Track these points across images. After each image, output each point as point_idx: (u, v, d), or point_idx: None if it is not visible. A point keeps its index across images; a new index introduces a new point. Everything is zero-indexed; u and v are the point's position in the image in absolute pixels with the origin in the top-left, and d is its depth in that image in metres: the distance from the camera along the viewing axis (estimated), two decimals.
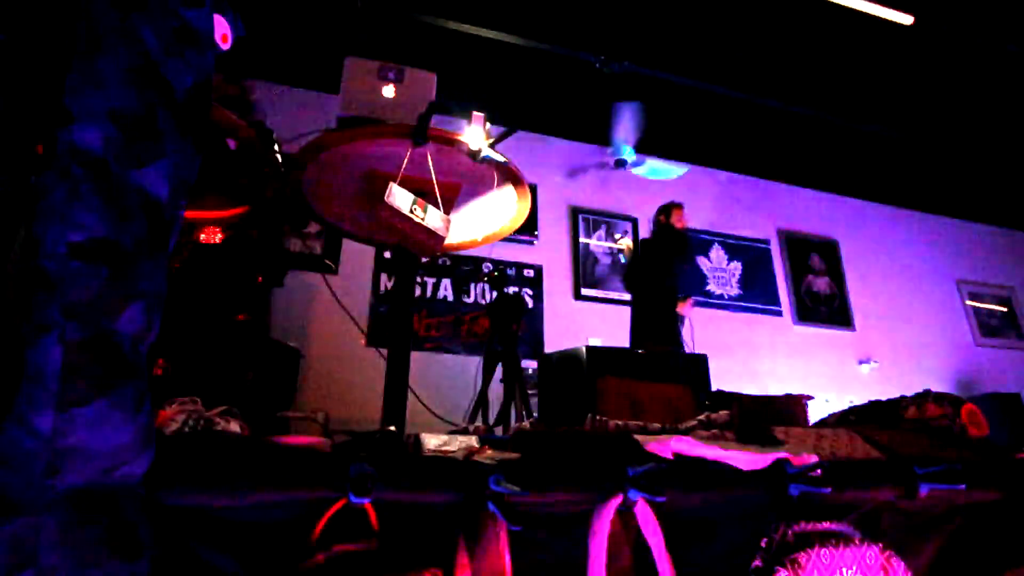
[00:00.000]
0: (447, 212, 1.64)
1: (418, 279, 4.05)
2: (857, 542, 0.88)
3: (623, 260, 4.74)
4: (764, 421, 1.25)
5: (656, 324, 3.57)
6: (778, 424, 1.22)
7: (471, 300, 4.21)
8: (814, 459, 1.00)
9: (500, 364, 2.67)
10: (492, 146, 1.60)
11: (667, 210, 3.84)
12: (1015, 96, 4.33)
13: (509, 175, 1.70)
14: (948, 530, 1.12)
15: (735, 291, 5.06)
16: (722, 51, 3.99)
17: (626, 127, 4.44)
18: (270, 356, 2.12)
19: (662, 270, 3.68)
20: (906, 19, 3.61)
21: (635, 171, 4.77)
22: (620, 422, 1.26)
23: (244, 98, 2.14)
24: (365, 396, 3.38)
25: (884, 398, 1.49)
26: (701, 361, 2.66)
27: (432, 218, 1.52)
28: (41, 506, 0.51)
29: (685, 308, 3.78)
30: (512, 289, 4.27)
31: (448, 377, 3.82)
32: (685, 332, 3.73)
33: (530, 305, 4.33)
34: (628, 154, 4.68)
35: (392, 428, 1.44)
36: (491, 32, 3.78)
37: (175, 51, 0.68)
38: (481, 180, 1.73)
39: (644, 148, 4.70)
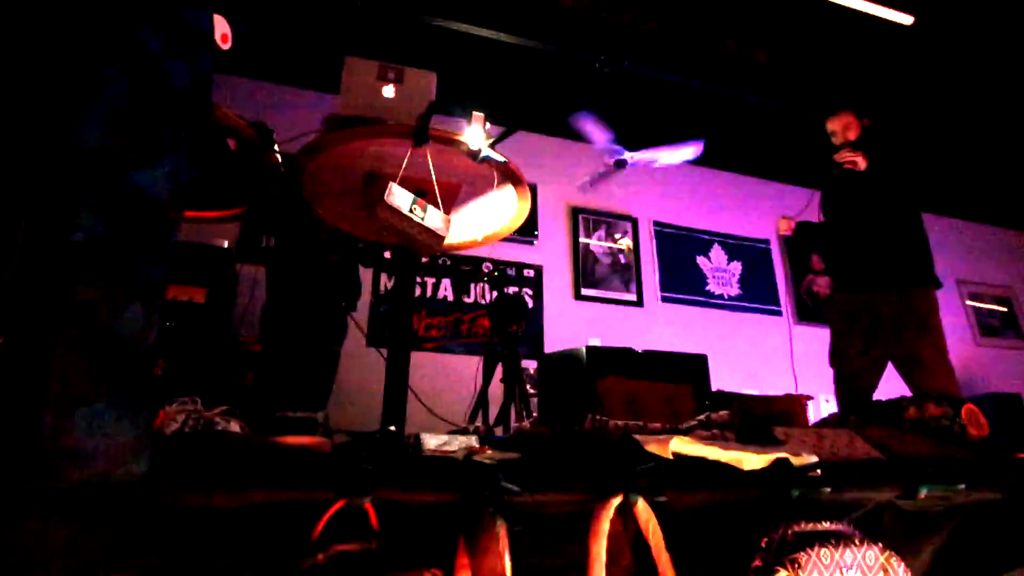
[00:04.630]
0: (447, 212, 1.64)
1: (418, 279, 4.05)
2: (857, 542, 0.88)
3: (623, 260, 4.74)
4: (764, 421, 1.25)
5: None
6: (778, 424, 1.22)
7: (471, 300, 4.21)
8: (814, 459, 1.00)
9: (500, 364, 2.67)
10: (492, 146, 1.60)
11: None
12: (1015, 96, 4.32)
13: (509, 175, 1.70)
14: (948, 530, 1.12)
15: (735, 291, 5.05)
16: (722, 51, 3.99)
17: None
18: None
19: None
20: (906, 19, 3.61)
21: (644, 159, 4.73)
22: (620, 422, 1.26)
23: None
24: (365, 396, 3.37)
25: (884, 398, 1.49)
26: (701, 361, 2.66)
27: (432, 218, 1.52)
28: (41, 506, 0.51)
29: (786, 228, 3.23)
30: (512, 289, 4.27)
31: (448, 377, 3.81)
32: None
33: (530, 305, 4.33)
34: (629, 155, 4.66)
35: (392, 428, 1.44)
36: (491, 32, 3.77)
37: (175, 51, 0.68)
38: (481, 180, 1.73)
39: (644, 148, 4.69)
